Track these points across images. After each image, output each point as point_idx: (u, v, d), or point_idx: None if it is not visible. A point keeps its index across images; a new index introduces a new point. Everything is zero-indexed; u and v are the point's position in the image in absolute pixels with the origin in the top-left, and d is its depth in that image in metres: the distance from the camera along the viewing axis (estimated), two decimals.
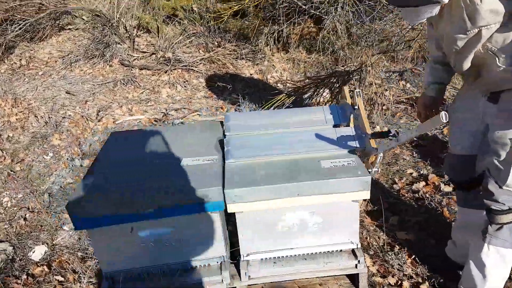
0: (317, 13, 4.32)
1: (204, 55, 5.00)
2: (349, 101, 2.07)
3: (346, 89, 2.11)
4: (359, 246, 1.94)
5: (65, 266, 2.23)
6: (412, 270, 2.19)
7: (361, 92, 1.89)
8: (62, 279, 2.17)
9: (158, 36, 5.10)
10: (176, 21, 5.47)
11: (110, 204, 1.70)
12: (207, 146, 2.05)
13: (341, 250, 1.96)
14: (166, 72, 4.73)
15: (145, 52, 5.22)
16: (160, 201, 1.70)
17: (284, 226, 1.85)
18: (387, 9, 4.23)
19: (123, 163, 1.94)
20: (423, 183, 2.86)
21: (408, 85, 4.13)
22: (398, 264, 2.20)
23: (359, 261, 1.91)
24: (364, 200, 2.49)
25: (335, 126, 2.08)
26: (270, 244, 1.90)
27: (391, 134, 1.66)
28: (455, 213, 2.56)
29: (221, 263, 1.92)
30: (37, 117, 3.70)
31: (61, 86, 4.27)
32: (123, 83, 4.45)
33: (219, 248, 1.90)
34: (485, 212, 1.66)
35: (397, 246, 2.37)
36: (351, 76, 3.40)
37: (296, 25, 4.75)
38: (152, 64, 4.92)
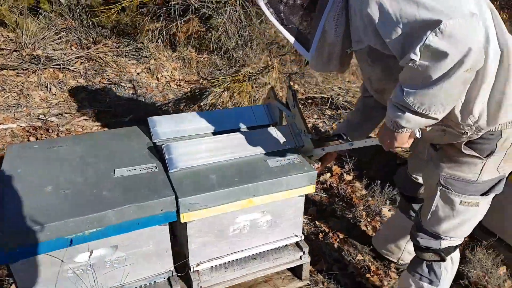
0: (209, 12, 4.28)
1: (80, 52, 4.49)
2: (274, 100, 2.10)
3: (273, 89, 2.15)
4: (303, 238, 2.00)
5: None
6: (338, 255, 2.37)
7: (296, 91, 1.93)
8: None
9: (21, 32, 4.39)
10: (42, 14, 4.79)
11: (39, 232, 1.40)
12: (138, 154, 1.85)
13: (286, 245, 1.99)
14: (35, 72, 4.10)
15: (3, 49, 4.43)
16: (102, 219, 1.48)
17: (235, 229, 1.80)
18: None
19: (39, 181, 1.62)
20: (329, 174, 3.10)
21: (296, 86, 4.40)
22: (328, 250, 2.34)
23: (304, 252, 1.98)
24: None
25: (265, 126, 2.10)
26: (220, 250, 1.82)
27: (342, 138, 1.74)
28: (360, 198, 2.85)
29: (169, 278, 1.77)
30: None
31: None
32: None
33: (167, 263, 1.74)
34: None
35: (320, 233, 2.53)
36: (253, 77, 3.48)
37: (183, 23, 4.62)
38: (16, 63, 4.21)
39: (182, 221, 1.61)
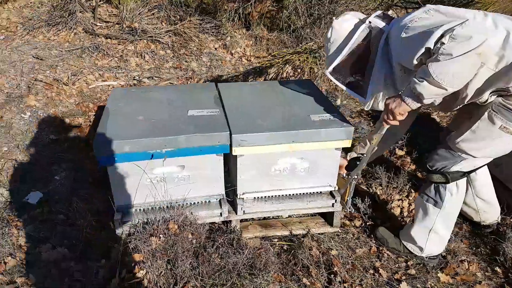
0: None
1: (168, 27, 5.14)
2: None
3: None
4: (336, 188, 2.34)
5: (66, 208, 2.40)
6: (374, 214, 2.62)
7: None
8: (64, 217, 2.35)
9: (122, 7, 5.13)
10: None
11: (132, 144, 1.93)
12: (207, 101, 2.32)
13: (320, 192, 2.35)
14: (132, 42, 4.81)
15: (108, 22, 5.22)
16: (175, 141, 1.97)
17: (276, 170, 2.20)
18: None
19: (134, 112, 2.16)
20: None
21: None
22: (363, 207, 2.62)
23: (335, 201, 2.32)
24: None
25: None
26: (263, 185, 2.24)
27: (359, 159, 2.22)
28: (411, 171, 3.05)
29: (220, 200, 2.23)
30: (8, 79, 3.65)
31: (26, 51, 4.19)
32: (91, 51, 4.47)
33: (219, 187, 2.21)
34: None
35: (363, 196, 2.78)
36: (315, 51, 3.81)
37: (257, 3, 5.05)
38: (117, 34, 4.96)
39: (233, 153, 2.05)
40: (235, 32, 5.20)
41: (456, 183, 1.97)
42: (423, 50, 1.61)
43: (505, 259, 2.24)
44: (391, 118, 1.84)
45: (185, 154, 2.02)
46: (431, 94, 1.65)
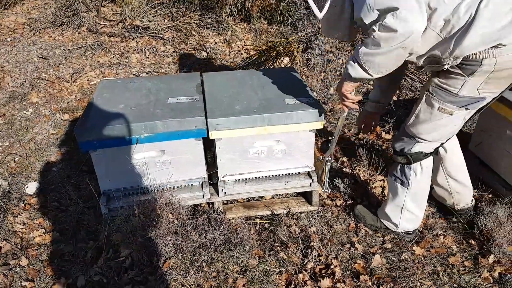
0: None
1: (170, 23, 5.26)
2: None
3: None
4: (313, 169, 2.41)
5: (59, 196, 2.54)
6: (354, 194, 2.67)
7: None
8: (58, 204, 2.49)
9: (125, 5, 5.28)
10: None
11: (110, 130, 2.04)
12: (188, 89, 2.42)
13: (298, 173, 2.42)
14: (134, 39, 4.96)
15: (112, 20, 5.39)
16: (153, 126, 2.07)
17: (254, 153, 2.28)
18: None
19: (117, 101, 2.27)
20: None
21: None
22: (343, 187, 2.67)
23: (313, 180, 2.39)
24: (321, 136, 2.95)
25: None
26: (242, 167, 2.32)
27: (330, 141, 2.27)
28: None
29: (202, 183, 2.33)
30: (12, 78, 3.85)
31: (32, 51, 4.40)
32: (93, 49, 4.64)
33: (201, 171, 2.30)
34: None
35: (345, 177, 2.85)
36: (308, 44, 3.86)
37: None
38: (120, 31, 5.11)
39: (210, 137, 2.14)
40: (236, 26, 5.28)
41: (420, 163, 2.00)
42: (358, 16, 1.65)
43: (480, 231, 2.27)
44: (344, 99, 1.94)
45: (164, 139, 2.12)
46: (360, 76, 1.75)
